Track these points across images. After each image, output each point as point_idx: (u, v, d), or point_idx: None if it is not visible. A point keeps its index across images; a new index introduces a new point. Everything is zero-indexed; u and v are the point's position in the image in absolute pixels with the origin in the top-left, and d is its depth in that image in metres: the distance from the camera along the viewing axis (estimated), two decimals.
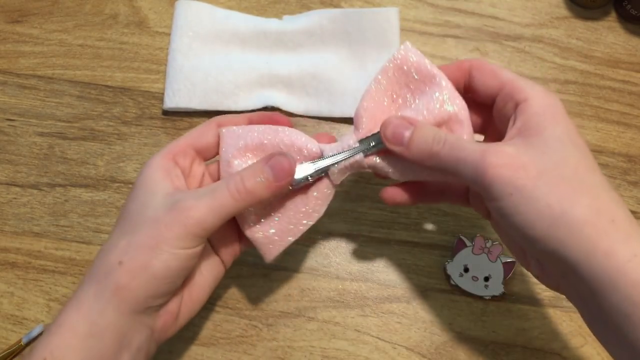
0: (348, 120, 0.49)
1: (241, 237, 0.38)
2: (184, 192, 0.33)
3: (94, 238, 0.45)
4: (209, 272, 0.37)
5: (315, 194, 0.36)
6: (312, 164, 0.35)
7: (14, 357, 0.42)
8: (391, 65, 0.35)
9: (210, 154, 0.38)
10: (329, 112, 0.49)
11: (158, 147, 0.48)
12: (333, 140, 0.38)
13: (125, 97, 0.49)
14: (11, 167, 0.47)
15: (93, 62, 0.50)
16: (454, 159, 0.31)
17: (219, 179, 0.37)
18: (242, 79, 0.48)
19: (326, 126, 0.49)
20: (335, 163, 0.35)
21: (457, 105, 0.35)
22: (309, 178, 0.35)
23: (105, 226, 0.46)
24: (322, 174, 0.36)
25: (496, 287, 0.44)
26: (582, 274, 0.28)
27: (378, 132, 0.35)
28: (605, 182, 0.30)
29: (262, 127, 0.36)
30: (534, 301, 0.44)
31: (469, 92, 0.36)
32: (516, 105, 0.32)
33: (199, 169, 0.37)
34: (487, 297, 0.44)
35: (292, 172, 0.34)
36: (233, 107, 0.48)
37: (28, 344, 0.42)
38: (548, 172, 0.29)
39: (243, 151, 0.36)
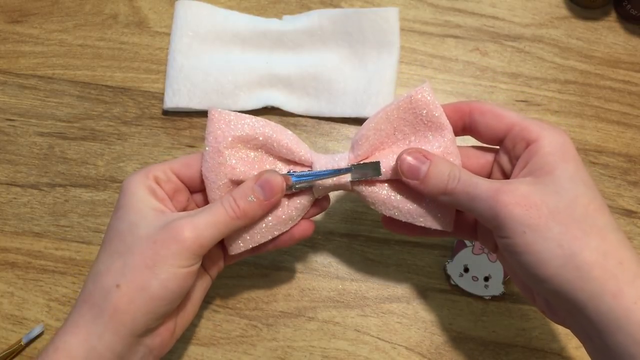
0: (348, 120, 0.49)
1: (225, 253, 0.38)
2: (176, 213, 0.33)
3: (94, 238, 0.45)
4: (198, 286, 0.36)
5: (295, 202, 0.36)
6: (299, 175, 0.35)
7: (14, 357, 0.42)
8: (405, 102, 0.34)
9: (195, 187, 0.37)
10: (329, 112, 0.49)
11: (158, 147, 0.48)
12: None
13: (125, 97, 0.49)
14: (11, 167, 0.47)
15: (93, 62, 0.50)
16: (468, 196, 0.32)
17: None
18: (242, 79, 0.48)
19: (326, 126, 0.49)
20: (323, 179, 0.35)
21: (453, 160, 0.35)
22: (294, 189, 0.35)
23: (105, 226, 0.45)
24: (306, 187, 0.36)
25: (496, 287, 0.44)
26: (589, 314, 0.28)
27: (374, 163, 0.35)
28: (613, 222, 0.30)
29: (256, 119, 0.35)
30: None
31: (470, 134, 0.36)
32: (527, 145, 0.33)
33: (183, 195, 0.36)
34: (487, 297, 0.44)
35: (282, 189, 0.34)
36: (233, 107, 0.48)
37: (28, 344, 0.42)
38: (560, 212, 0.29)
39: (236, 142, 0.35)
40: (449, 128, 0.35)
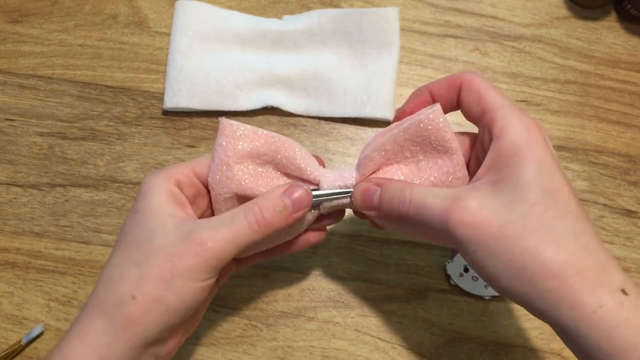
0: (348, 120, 0.49)
1: (236, 261, 0.37)
2: (196, 221, 0.32)
3: (94, 238, 0.45)
4: (209, 294, 0.36)
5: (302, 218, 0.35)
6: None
7: (14, 357, 0.42)
8: (414, 126, 0.33)
9: None
10: (329, 112, 0.49)
11: (158, 147, 0.48)
12: (322, 163, 0.37)
13: (125, 97, 0.49)
14: (11, 167, 0.47)
15: (93, 62, 0.50)
16: (420, 218, 0.31)
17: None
18: (242, 79, 0.48)
19: (326, 126, 0.49)
20: (330, 199, 0.35)
21: (460, 184, 0.34)
22: None
23: (105, 226, 0.46)
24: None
25: None
26: (549, 321, 0.28)
27: None
28: (576, 227, 0.28)
29: (266, 133, 0.34)
30: None
31: (460, 109, 0.35)
32: (491, 139, 0.31)
33: (204, 200, 0.36)
34: (487, 297, 0.44)
35: (310, 204, 0.33)
36: (233, 107, 0.48)
37: (28, 344, 0.42)
38: (511, 224, 0.28)
39: (246, 157, 0.34)
40: (459, 152, 0.34)
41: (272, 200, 0.32)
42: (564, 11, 0.53)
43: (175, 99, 0.47)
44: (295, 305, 0.44)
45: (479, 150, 0.34)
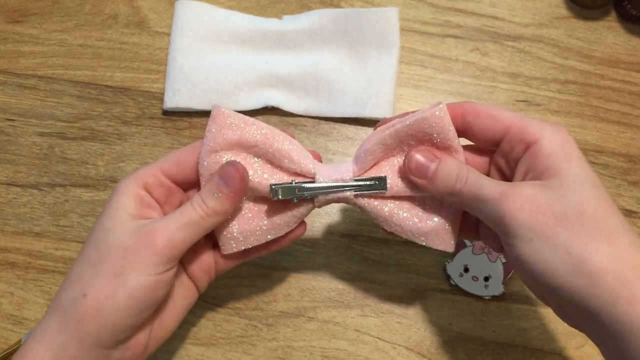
0: (348, 120, 0.49)
1: (217, 259, 0.36)
2: (151, 220, 0.32)
3: None
4: (181, 297, 0.35)
5: (294, 211, 0.35)
6: (302, 185, 0.34)
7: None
8: (418, 123, 0.33)
9: (189, 185, 0.35)
10: (329, 112, 0.49)
11: (158, 147, 0.48)
12: (318, 157, 0.36)
13: (125, 97, 0.49)
14: (11, 167, 0.47)
15: (93, 62, 0.50)
16: (474, 198, 0.31)
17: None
18: (242, 79, 0.48)
19: (326, 126, 0.49)
20: (325, 193, 0.34)
21: None
22: (294, 200, 0.34)
23: None
24: (308, 198, 0.35)
25: (496, 287, 0.44)
26: (603, 320, 0.28)
27: (380, 178, 0.34)
28: (624, 223, 0.29)
29: (260, 125, 0.34)
30: (534, 301, 0.44)
31: (465, 137, 0.35)
32: (526, 148, 0.31)
33: (176, 198, 0.35)
34: (487, 297, 0.44)
35: (244, 176, 0.33)
36: (233, 107, 0.48)
37: None
38: (567, 217, 0.28)
39: (234, 146, 0.34)
40: (461, 151, 0.34)
41: (209, 187, 0.32)
42: (564, 11, 0.53)
43: (175, 99, 0.47)
44: (295, 305, 0.44)
45: (503, 164, 0.34)
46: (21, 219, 0.46)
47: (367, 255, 0.46)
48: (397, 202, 0.35)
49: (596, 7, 0.53)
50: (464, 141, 0.35)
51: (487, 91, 0.50)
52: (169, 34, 0.50)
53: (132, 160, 0.47)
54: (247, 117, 0.34)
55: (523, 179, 0.31)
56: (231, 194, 0.32)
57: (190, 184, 0.35)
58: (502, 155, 0.34)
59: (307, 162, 0.34)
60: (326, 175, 0.34)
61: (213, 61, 0.49)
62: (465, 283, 0.44)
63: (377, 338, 0.43)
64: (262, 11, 0.52)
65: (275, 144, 0.34)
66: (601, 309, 0.27)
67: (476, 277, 0.44)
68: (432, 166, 0.33)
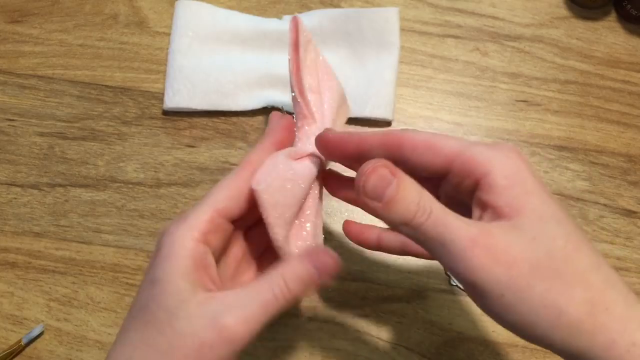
0: (348, 120, 0.49)
1: None
2: (219, 299, 0.28)
3: (94, 238, 0.45)
4: None
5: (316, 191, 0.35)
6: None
7: (14, 357, 0.42)
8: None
9: (247, 220, 0.33)
10: None
11: (158, 147, 0.48)
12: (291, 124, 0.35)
13: (125, 97, 0.49)
14: (11, 167, 0.47)
15: (93, 62, 0.50)
16: (437, 240, 0.26)
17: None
18: (242, 79, 0.48)
19: None
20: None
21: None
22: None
23: (106, 226, 0.46)
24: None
25: None
26: None
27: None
28: (593, 258, 0.27)
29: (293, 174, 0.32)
30: None
31: (405, 171, 0.28)
32: (476, 181, 0.28)
33: (236, 248, 0.33)
34: None
35: (339, 265, 0.30)
36: (233, 107, 0.48)
37: (28, 344, 0.42)
38: (541, 265, 0.26)
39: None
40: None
41: (297, 272, 0.29)
42: (564, 11, 0.53)
43: (175, 99, 0.47)
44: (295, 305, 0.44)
45: (452, 191, 0.30)
46: (21, 219, 0.46)
47: (367, 255, 0.46)
48: None
49: (596, 7, 0.53)
50: None
51: (487, 91, 0.50)
52: (169, 34, 0.50)
53: (132, 160, 0.47)
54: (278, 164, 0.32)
55: (480, 217, 0.28)
56: (318, 282, 0.30)
57: (246, 219, 0.33)
58: (451, 186, 0.30)
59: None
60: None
61: (213, 61, 0.49)
62: None
63: (377, 338, 0.43)
64: (262, 11, 0.52)
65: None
66: (579, 357, 0.26)
67: None
68: (389, 190, 0.26)
